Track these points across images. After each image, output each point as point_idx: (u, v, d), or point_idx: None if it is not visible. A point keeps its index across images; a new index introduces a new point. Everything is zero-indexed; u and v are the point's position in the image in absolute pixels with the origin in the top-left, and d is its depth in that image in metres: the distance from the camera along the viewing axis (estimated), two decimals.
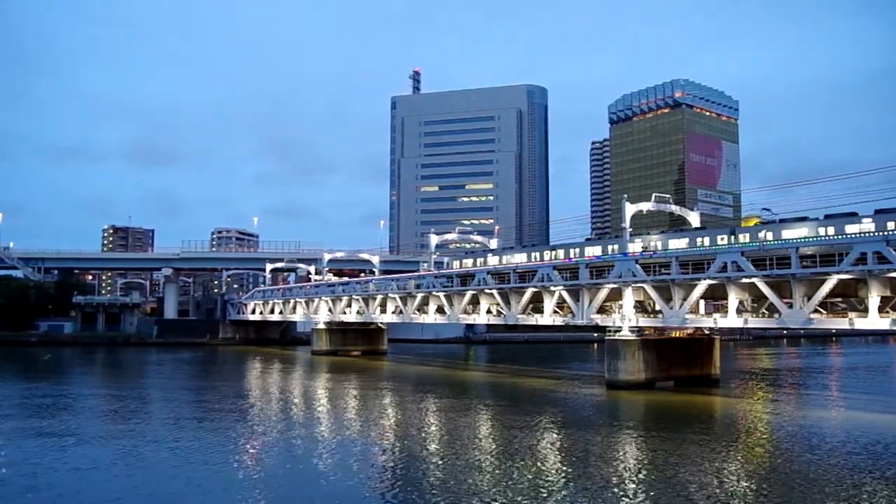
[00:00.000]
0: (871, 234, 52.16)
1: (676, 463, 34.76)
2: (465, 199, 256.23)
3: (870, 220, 55.45)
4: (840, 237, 54.09)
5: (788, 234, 60.51)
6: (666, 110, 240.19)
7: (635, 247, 72.81)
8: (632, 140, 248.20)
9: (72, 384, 76.71)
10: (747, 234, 66.13)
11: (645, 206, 78.56)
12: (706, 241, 66.77)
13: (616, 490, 29.87)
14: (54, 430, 43.66)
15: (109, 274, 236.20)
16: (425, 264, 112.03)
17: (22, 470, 32.40)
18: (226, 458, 36.63)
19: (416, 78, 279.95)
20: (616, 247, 76.39)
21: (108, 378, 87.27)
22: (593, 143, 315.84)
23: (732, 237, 65.62)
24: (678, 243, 69.75)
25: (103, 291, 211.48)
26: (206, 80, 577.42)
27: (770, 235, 61.30)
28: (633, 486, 30.82)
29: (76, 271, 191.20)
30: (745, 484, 30.91)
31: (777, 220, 64.27)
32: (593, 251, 77.51)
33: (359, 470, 34.35)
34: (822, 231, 57.40)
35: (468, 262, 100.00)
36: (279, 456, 37.75)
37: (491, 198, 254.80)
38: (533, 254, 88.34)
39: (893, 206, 56.93)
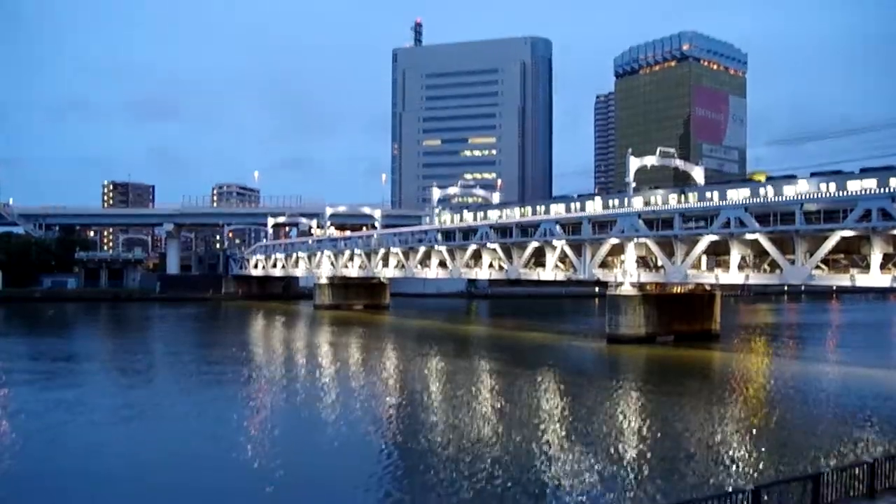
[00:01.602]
0: (877, 191, 51.62)
1: (674, 414, 35.04)
2: (468, 153, 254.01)
3: (857, 179, 55.32)
4: (845, 193, 53.58)
5: (763, 191, 60.88)
6: (672, 63, 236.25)
7: (637, 202, 72.50)
8: (637, 94, 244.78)
9: (79, 339, 77.36)
10: (695, 193, 67.51)
11: (649, 161, 77.76)
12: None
13: (614, 440, 30.15)
14: (66, 385, 44.00)
15: (111, 230, 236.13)
16: (428, 218, 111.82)
17: (42, 423, 32.69)
18: (233, 410, 36.97)
19: (417, 30, 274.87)
20: (616, 202, 76.11)
21: (114, 333, 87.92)
22: (598, 96, 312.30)
23: (682, 196, 68.51)
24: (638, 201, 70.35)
25: (105, 248, 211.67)
26: (208, 37, 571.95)
27: (772, 191, 61.03)
28: (631, 436, 31.11)
29: (77, 227, 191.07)
30: (741, 433, 31.17)
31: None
32: (594, 207, 77.19)
33: (361, 420, 34.68)
34: (824, 188, 56.87)
35: (469, 216, 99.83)
36: (284, 406, 38.09)
37: (493, 152, 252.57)
38: (527, 208, 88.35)
39: (878, 165, 56.76)
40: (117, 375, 49.87)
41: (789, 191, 59.46)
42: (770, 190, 61.45)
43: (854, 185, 54.49)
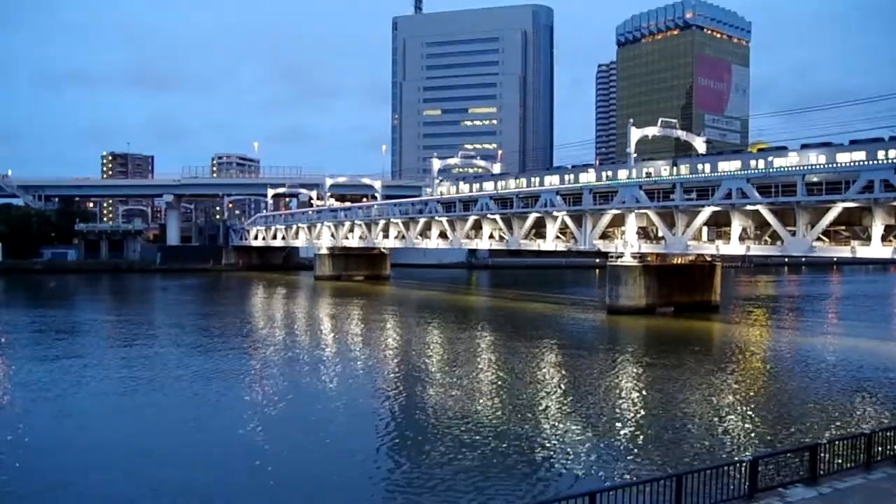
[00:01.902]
0: (881, 162, 51.37)
1: (673, 385, 35.22)
2: (468, 122, 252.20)
3: (846, 151, 55.35)
4: (848, 164, 53.31)
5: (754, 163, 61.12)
6: (675, 32, 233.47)
7: (625, 174, 72.68)
8: (639, 63, 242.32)
9: (82, 311, 77.56)
10: (687, 165, 67.37)
11: (651, 131, 77.38)
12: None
13: (612, 410, 30.35)
14: (70, 356, 44.08)
15: (111, 201, 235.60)
16: (428, 189, 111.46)
17: (49, 394, 32.82)
18: (234, 380, 37.15)
19: None
20: (610, 173, 76.10)
21: (116, 304, 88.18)
22: (600, 66, 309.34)
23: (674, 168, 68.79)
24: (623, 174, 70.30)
25: (105, 219, 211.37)
26: (208, 5, 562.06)
27: (762, 163, 61.17)
28: (630, 406, 31.31)
29: (77, 199, 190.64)
30: (739, 404, 31.36)
31: None
32: (587, 178, 77.11)
33: (362, 388, 34.91)
34: (822, 159, 56.61)
35: (465, 187, 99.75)
36: (284, 377, 38.27)
37: (494, 122, 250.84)
38: (522, 180, 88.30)
39: (871, 137, 56.68)
40: (123, 347, 50.04)
41: (784, 161, 59.35)
42: (761, 162, 61.52)
43: (843, 157, 54.58)
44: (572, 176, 79.90)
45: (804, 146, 60.61)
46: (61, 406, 31.06)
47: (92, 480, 21.97)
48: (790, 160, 59.19)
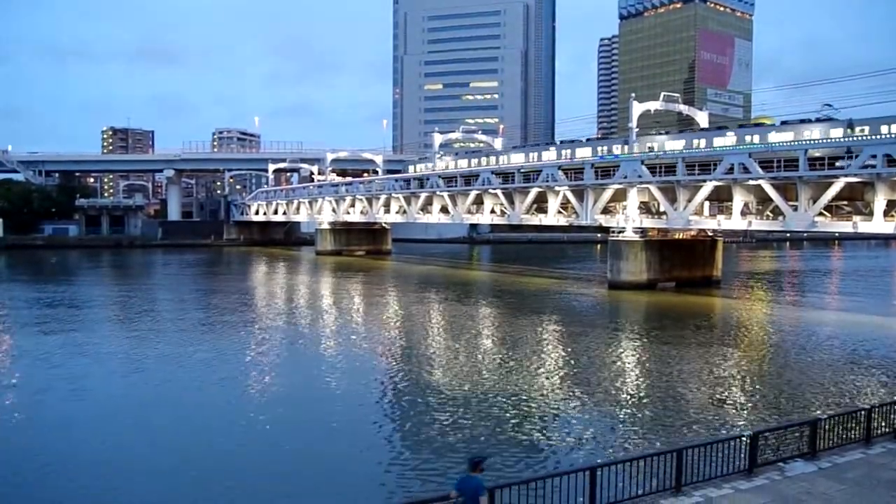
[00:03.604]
0: (884, 137, 51.02)
1: (673, 359, 35.35)
2: (470, 97, 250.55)
3: (839, 127, 55.52)
4: (851, 139, 52.97)
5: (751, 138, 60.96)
6: (678, 5, 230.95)
7: (616, 149, 72.76)
8: (642, 37, 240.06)
9: (85, 286, 77.67)
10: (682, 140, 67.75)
11: (653, 106, 76.82)
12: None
13: (613, 384, 30.48)
14: (79, 335, 43.94)
15: (111, 176, 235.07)
16: (419, 165, 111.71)
17: (62, 374, 32.91)
18: (236, 356, 37.30)
19: None
20: (605, 148, 75.90)
21: (119, 280, 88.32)
22: (602, 39, 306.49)
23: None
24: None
25: (106, 194, 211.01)
26: None
27: (757, 138, 61.16)
28: (631, 380, 31.46)
29: (77, 174, 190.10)
30: (739, 379, 31.50)
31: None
32: (583, 153, 76.88)
33: (365, 362, 35.05)
34: (832, 134, 56.30)
35: (463, 163, 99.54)
36: (286, 353, 38.45)
37: (496, 96, 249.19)
38: (520, 156, 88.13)
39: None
40: (129, 323, 50.13)
41: (778, 137, 59.35)
42: (756, 137, 61.38)
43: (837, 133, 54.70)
44: (568, 151, 79.69)
45: (783, 122, 60.87)
46: (76, 386, 31.24)
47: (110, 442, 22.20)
48: (789, 135, 58.96)
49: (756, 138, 61.16)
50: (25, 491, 18.98)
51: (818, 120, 59.33)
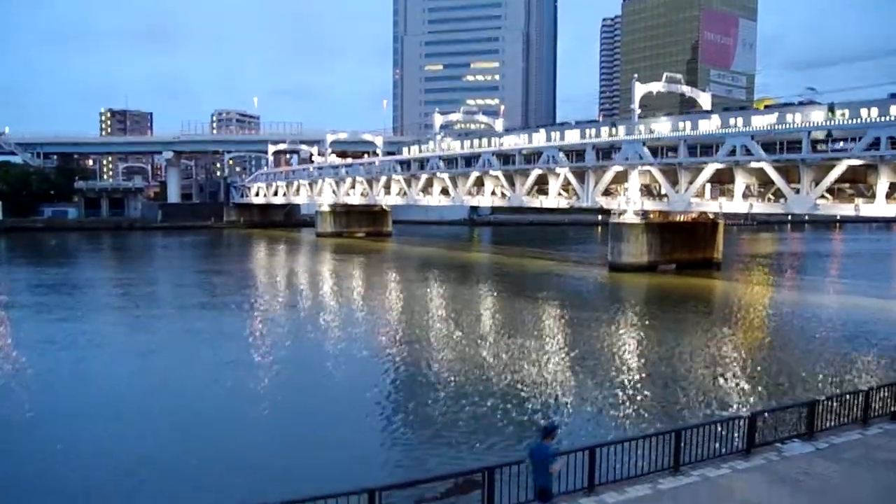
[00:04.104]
0: (887, 119, 50.70)
1: (672, 341, 35.44)
2: (471, 78, 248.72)
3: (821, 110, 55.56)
4: (854, 122, 52.67)
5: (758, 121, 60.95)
6: None
7: (605, 132, 72.67)
8: (645, 17, 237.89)
9: (86, 269, 77.79)
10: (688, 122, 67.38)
11: (655, 87, 76.34)
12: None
13: (612, 365, 30.58)
14: (82, 316, 44.15)
15: (110, 159, 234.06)
16: (414, 147, 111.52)
17: (70, 356, 33.02)
18: (237, 339, 37.40)
19: None
20: (593, 131, 75.76)
21: (120, 263, 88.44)
22: (604, 19, 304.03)
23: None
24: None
25: (105, 177, 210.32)
26: None
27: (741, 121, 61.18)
28: (630, 361, 31.57)
29: (76, 156, 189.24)
30: (738, 360, 31.60)
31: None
32: (572, 136, 76.86)
33: (364, 343, 35.17)
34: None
35: (455, 144, 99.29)
36: (288, 334, 38.54)
37: (497, 77, 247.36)
38: (522, 136, 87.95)
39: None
40: (131, 306, 50.06)
41: (761, 121, 59.46)
42: (740, 120, 61.37)
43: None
44: (557, 133, 79.78)
45: (767, 107, 60.99)
46: (82, 368, 31.36)
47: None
48: (770, 119, 59.27)
49: (739, 121, 61.15)
50: (28, 471, 19.12)
51: (801, 104, 59.51)
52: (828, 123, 54.19)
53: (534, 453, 11.49)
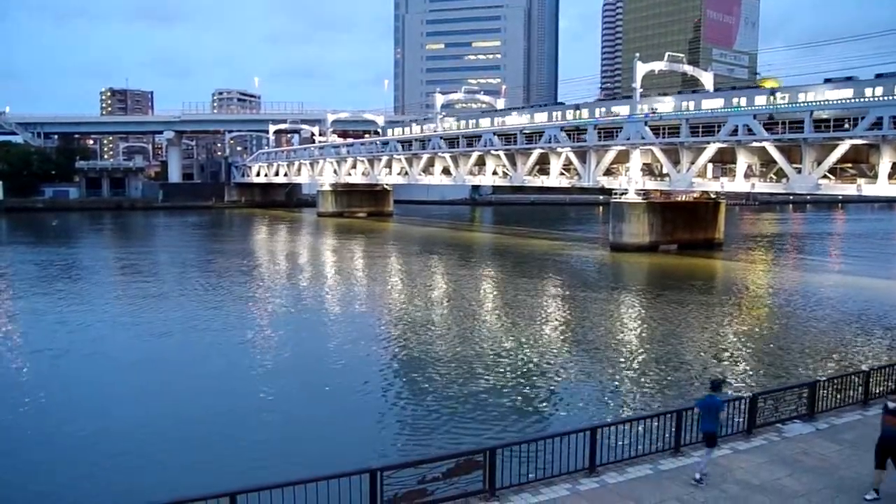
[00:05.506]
0: (890, 98, 50.40)
1: (673, 321, 35.54)
2: (472, 57, 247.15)
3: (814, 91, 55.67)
4: (857, 101, 52.37)
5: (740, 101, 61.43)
6: None
7: (600, 111, 72.56)
8: None
9: (89, 249, 77.90)
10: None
11: (657, 66, 75.77)
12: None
13: (613, 345, 30.68)
14: (92, 299, 44.05)
15: (111, 138, 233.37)
16: (398, 129, 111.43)
17: (83, 336, 33.11)
18: (239, 319, 37.51)
19: None
20: (585, 112, 75.79)
21: (123, 243, 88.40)
22: None
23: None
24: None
25: (105, 156, 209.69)
26: None
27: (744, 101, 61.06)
28: (631, 341, 31.66)
29: (76, 136, 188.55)
30: (739, 340, 31.70)
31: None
32: (569, 115, 76.92)
33: (366, 323, 35.30)
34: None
35: (454, 124, 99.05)
36: (289, 316, 38.64)
37: (498, 56, 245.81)
38: (522, 116, 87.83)
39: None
40: (142, 288, 50.04)
41: (711, 104, 59.68)
42: (743, 101, 61.19)
43: (869, 92, 53.57)
44: (544, 115, 79.90)
45: (747, 86, 61.20)
46: (94, 349, 31.51)
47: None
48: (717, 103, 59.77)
49: (743, 100, 61.70)
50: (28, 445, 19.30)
51: (746, 87, 60.41)
52: (830, 103, 53.95)
53: (704, 403, 13.09)
